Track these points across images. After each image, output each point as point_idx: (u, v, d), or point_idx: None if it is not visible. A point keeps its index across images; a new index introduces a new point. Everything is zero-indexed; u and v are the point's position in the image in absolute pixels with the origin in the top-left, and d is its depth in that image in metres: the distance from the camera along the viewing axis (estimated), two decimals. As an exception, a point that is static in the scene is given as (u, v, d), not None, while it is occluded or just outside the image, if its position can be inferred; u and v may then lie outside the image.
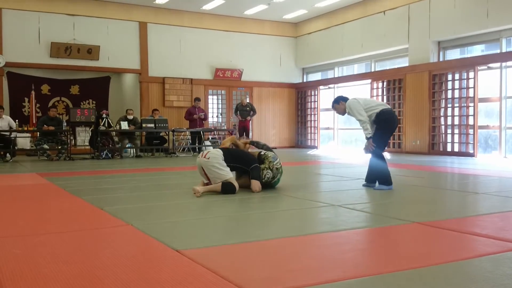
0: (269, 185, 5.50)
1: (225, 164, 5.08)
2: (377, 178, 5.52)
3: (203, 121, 13.41)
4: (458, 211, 4.30)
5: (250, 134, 13.58)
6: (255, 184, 5.17)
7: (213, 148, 5.35)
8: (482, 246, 2.90)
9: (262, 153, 5.48)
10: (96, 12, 14.17)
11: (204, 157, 5.09)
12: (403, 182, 6.50)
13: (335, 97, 5.96)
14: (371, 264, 2.54)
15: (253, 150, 5.74)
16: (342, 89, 15.90)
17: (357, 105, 5.48)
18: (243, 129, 13.67)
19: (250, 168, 5.20)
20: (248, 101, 14.73)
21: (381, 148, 5.52)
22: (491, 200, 4.72)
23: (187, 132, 13.37)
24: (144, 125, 12.05)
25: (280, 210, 4.40)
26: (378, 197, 5.15)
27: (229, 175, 5.07)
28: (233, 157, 5.21)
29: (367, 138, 5.40)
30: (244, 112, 13.53)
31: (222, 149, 5.30)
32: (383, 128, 5.45)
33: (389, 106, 5.66)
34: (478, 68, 11.40)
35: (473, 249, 2.89)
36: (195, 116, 13.08)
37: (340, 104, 5.73)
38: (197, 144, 12.99)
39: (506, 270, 2.37)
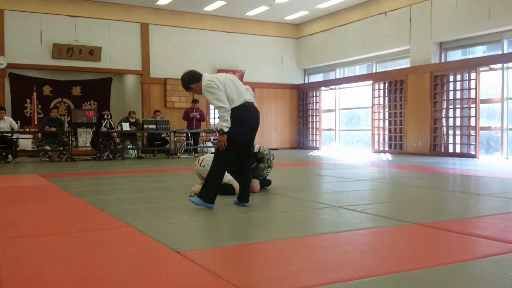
0: (267, 182, 5.61)
1: None
2: (204, 184, 4.34)
3: (200, 122, 13.44)
4: (459, 212, 4.29)
5: None
6: (256, 183, 5.24)
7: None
8: (484, 247, 2.89)
9: (256, 150, 5.57)
10: (97, 13, 14.19)
11: (200, 165, 5.15)
12: (404, 183, 6.50)
13: (188, 76, 4.41)
14: (372, 266, 2.53)
15: None
16: (344, 90, 15.91)
17: (216, 90, 4.16)
18: None
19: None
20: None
21: (222, 156, 4.27)
22: (492, 202, 4.71)
23: (189, 133, 13.40)
24: (145, 126, 12.06)
25: (281, 211, 4.39)
26: (379, 199, 5.15)
27: (228, 177, 5.09)
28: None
29: (222, 132, 4.16)
30: None
31: None
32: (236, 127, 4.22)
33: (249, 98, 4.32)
34: (480, 69, 11.39)
35: (474, 250, 2.88)
36: (191, 115, 13.15)
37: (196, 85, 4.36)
38: (192, 146, 13.04)
39: (508, 272, 2.36)
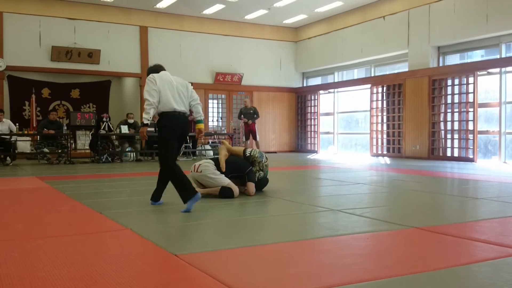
0: (263, 184, 5.60)
1: (218, 172, 5.14)
2: (179, 195, 4.36)
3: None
4: (457, 216, 4.30)
5: (258, 136, 13.61)
6: (252, 186, 5.27)
7: (208, 158, 5.41)
8: (481, 251, 2.89)
9: (248, 154, 5.53)
10: (96, 16, 14.20)
11: (196, 171, 5.16)
12: (402, 187, 6.50)
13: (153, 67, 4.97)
14: (370, 270, 2.53)
15: (238, 147, 5.80)
16: (342, 94, 15.94)
17: (151, 84, 4.47)
18: (249, 132, 13.70)
19: (245, 173, 5.31)
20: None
21: (167, 156, 4.44)
22: (490, 206, 4.72)
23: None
24: (144, 129, 12.05)
25: (279, 214, 4.39)
26: (377, 202, 5.16)
27: (226, 181, 5.10)
28: (227, 169, 5.25)
29: (143, 124, 4.47)
30: (248, 114, 13.55)
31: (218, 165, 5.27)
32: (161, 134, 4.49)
33: (182, 109, 4.50)
34: (478, 73, 11.41)
35: (472, 254, 2.88)
36: (189, 118, 13.13)
37: None
38: (191, 149, 13.05)
39: (505, 276, 2.37)
